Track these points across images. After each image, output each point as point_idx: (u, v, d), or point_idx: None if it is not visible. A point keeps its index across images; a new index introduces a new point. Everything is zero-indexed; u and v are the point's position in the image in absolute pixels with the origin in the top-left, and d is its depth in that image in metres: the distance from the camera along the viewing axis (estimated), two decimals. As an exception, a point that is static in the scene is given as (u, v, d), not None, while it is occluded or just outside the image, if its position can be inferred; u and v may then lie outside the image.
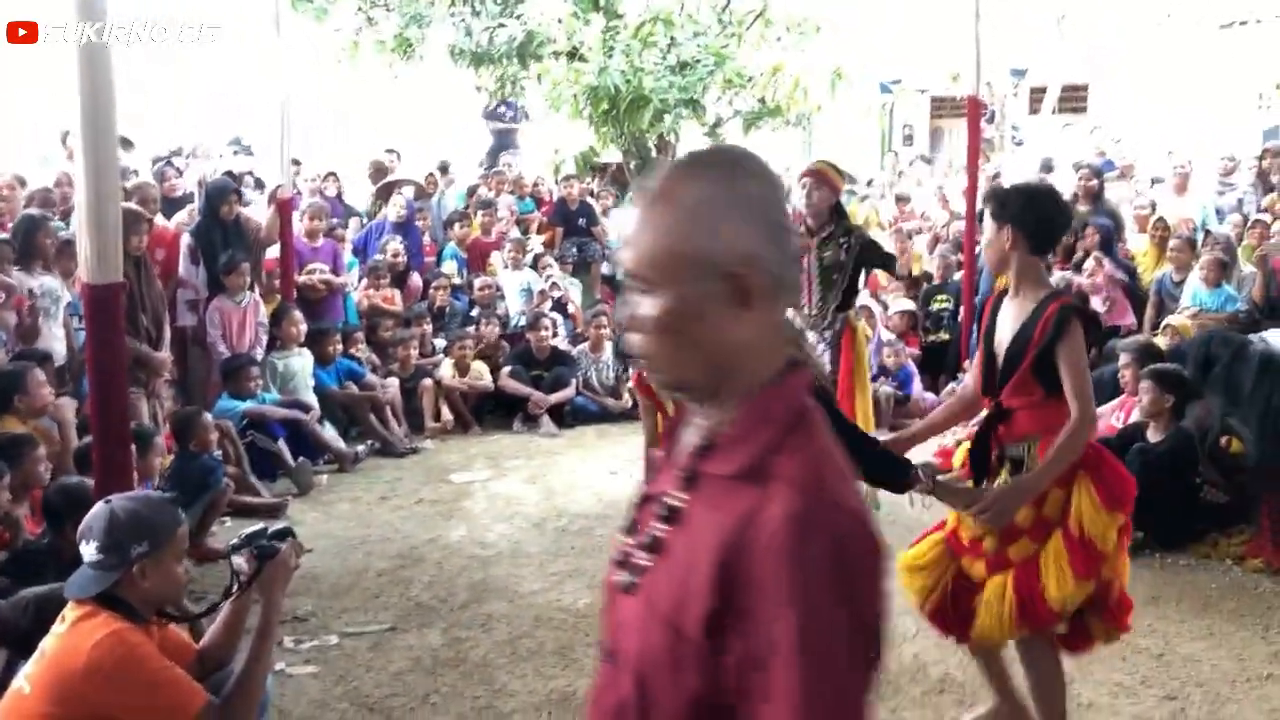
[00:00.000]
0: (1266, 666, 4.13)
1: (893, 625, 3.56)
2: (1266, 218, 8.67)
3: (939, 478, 3.15)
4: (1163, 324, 7.47)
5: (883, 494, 5.76)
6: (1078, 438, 3.10)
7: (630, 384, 6.57)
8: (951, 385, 7.96)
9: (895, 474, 3.06)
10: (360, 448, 7.16)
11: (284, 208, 7.64)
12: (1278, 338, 6.25)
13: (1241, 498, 5.39)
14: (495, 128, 13.81)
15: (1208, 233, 8.67)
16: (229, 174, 8.93)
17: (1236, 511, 5.39)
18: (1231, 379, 5.45)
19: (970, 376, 3.65)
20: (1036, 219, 3.25)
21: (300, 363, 7.29)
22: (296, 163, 9.48)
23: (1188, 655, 4.22)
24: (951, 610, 3.34)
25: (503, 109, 13.23)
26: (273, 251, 7.86)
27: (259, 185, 9.98)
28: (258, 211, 8.12)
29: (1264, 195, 9.64)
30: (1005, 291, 3.38)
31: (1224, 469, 5.46)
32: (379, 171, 10.84)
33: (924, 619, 3.46)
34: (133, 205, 6.09)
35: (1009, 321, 3.28)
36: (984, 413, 3.44)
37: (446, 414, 7.91)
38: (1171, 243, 8.41)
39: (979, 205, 3.54)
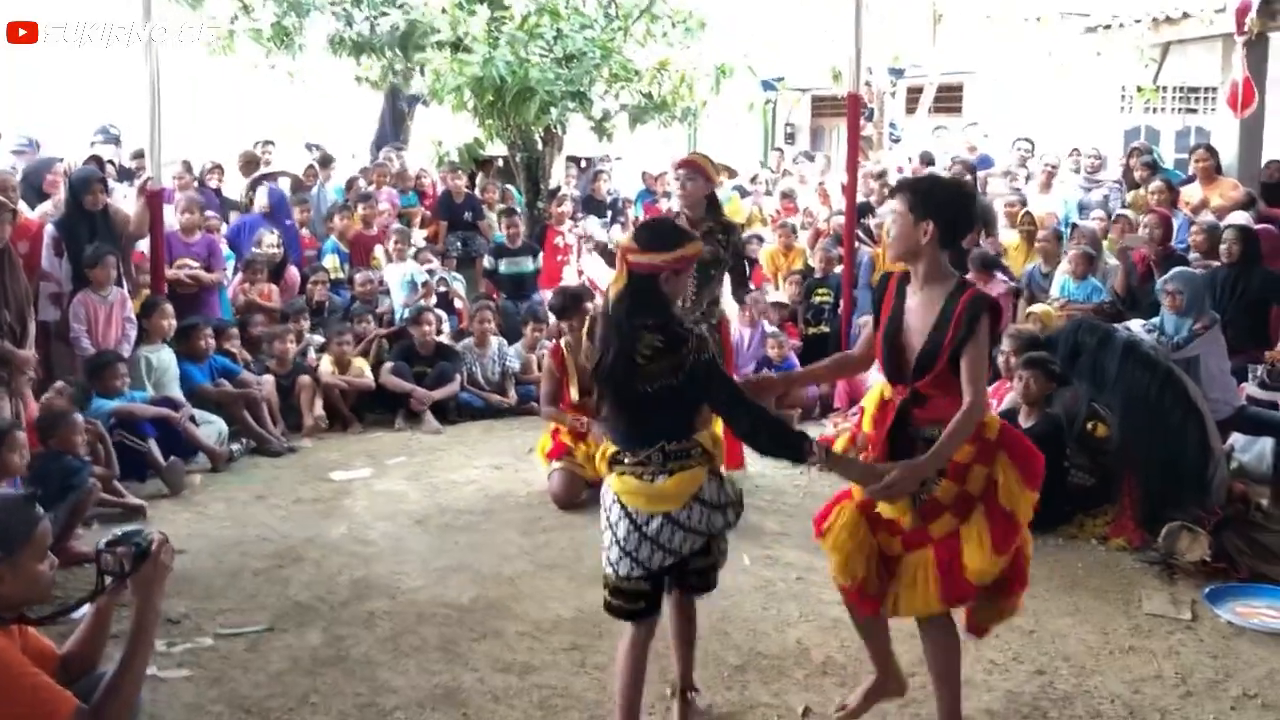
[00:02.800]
0: (1128, 639, 4.31)
1: (775, 611, 3.63)
2: (1129, 213, 9.05)
3: (834, 451, 3.19)
4: (1027, 311, 7.77)
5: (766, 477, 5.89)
6: (968, 422, 3.15)
7: (548, 353, 6.56)
8: (831, 376, 8.10)
9: (792, 445, 3.11)
10: (235, 446, 6.94)
11: (154, 200, 7.36)
12: (1140, 327, 6.55)
13: (1105, 480, 5.62)
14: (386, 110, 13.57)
15: (1074, 227, 9.01)
16: (95, 161, 8.58)
17: (1101, 493, 5.62)
18: (1097, 366, 5.65)
19: (860, 345, 3.67)
20: (956, 215, 3.29)
21: (168, 357, 7.04)
22: (139, 154, 9.18)
23: (1056, 631, 4.38)
24: (873, 585, 3.39)
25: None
26: (144, 245, 7.58)
27: (124, 176, 9.62)
28: (128, 203, 7.82)
29: (1128, 192, 10.05)
30: (906, 275, 3.37)
31: (1090, 453, 5.68)
32: (249, 163, 10.55)
33: (846, 595, 3.49)
34: (-5, 196, 5.83)
35: (920, 313, 3.27)
36: (875, 390, 3.53)
37: (319, 411, 7.66)
38: (1040, 235, 8.74)
39: (887, 194, 3.51)
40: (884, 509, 3.33)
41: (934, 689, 3.45)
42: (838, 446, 6.09)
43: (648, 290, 3.21)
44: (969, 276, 8.30)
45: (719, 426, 3.47)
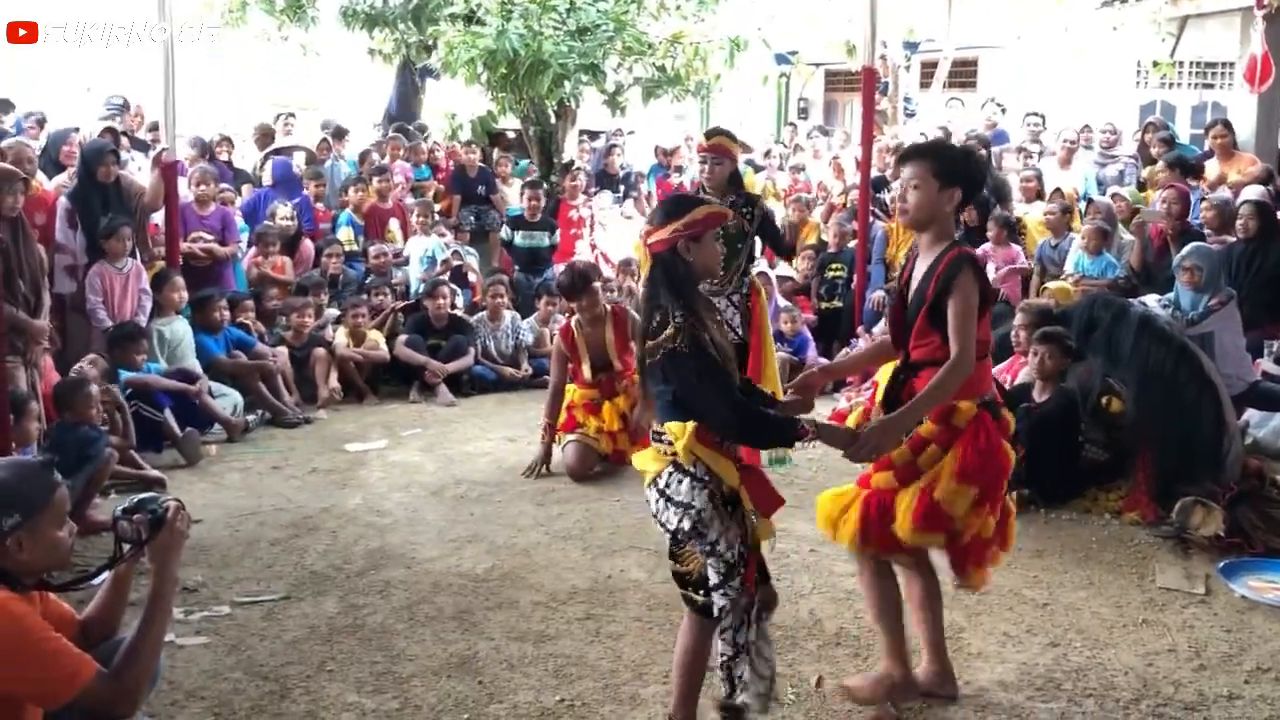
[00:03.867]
0: (1142, 612, 4.31)
1: (788, 583, 3.59)
2: (1125, 192, 9.05)
3: (820, 423, 3.17)
4: (1042, 287, 7.76)
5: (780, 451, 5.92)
6: (952, 376, 3.16)
7: (557, 333, 6.54)
8: (845, 350, 8.11)
9: (785, 433, 3.10)
10: (250, 417, 6.98)
11: (168, 171, 7.37)
12: (1155, 302, 6.52)
13: (1120, 455, 5.61)
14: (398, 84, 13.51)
15: (1090, 202, 8.96)
16: (109, 133, 8.58)
17: (1115, 468, 5.60)
18: (1112, 341, 5.64)
19: (887, 324, 3.73)
20: (977, 182, 3.34)
21: (182, 329, 7.07)
22: (154, 127, 9.20)
23: (1070, 604, 4.39)
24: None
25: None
26: (157, 217, 7.60)
27: (137, 146, 9.64)
28: (143, 175, 7.84)
29: (1144, 167, 9.99)
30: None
31: (1104, 427, 5.67)
32: (265, 137, 10.55)
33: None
34: (6, 165, 5.84)
35: (918, 276, 3.35)
36: (888, 366, 3.55)
37: (334, 384, 7.69)
38: (1046, 208, 8.70)
39: (900, 161, 3.53)
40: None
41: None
42: (850, 421, 6.16)
43: (668, 267, 3.09)
44: (990, 235, 8.31)
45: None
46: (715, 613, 3.05)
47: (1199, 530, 4.95)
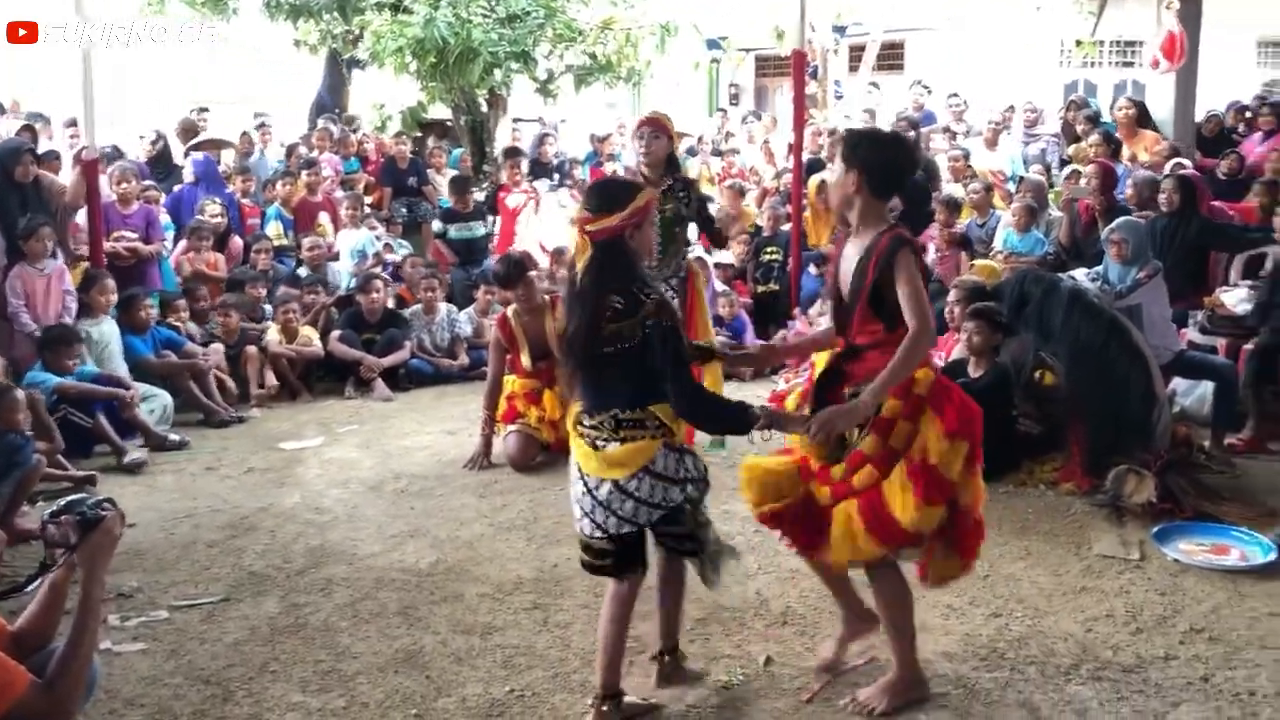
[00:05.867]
0: (1080, 580, 4.40)
1: (735, 564, 3.61)
2: (1080, 167, 9.19)
3: (774, 411, 3.21)
4: (970, 265, 7.88)
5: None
6: (914, 351, 3.14)
7: (494, 325, 6.51)
8: (782, 333, 8.16)
9: (738, 418, 3.15)
10: (174, 436, 6.58)
11: (89, 169, 7.18)
12: (1084, 276, 6.63)
13: (1053, 428, 5.70)
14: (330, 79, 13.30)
15: (1020, 180, 9.10)
16: (27, 131, 8.35)
17: (1049, 441, 5.70)
18: (1043, 316, 5.70)
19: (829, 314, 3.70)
20: (881, 163, 3.29)
21: (110, 330, 6.89)
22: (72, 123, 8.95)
23: (1009, 575, 4.46)
24: (799, 524, 3.40)
25: None
26: (80, 216, 7.40)
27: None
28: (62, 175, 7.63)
29: (1069, 145, 10.16)
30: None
31: (1037, 401, 5.76)
32: (187, 131, 10.34)
33: (761, 521, 3.49)
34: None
35: (850, 260, 3.33)
36: (827, 354, 3.53)
37: (272, 380, 7.59)
38: (971, 187, 8.83)
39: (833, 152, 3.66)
40: (813, 458, 3.35)
41: (888, 638, 3.48)
42: (790, 403, 6.17)
43: (614, 254, 3.17)
44: (938, 218, 8.41)
45: None
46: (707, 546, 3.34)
47: (1132, 498, 5.06)
